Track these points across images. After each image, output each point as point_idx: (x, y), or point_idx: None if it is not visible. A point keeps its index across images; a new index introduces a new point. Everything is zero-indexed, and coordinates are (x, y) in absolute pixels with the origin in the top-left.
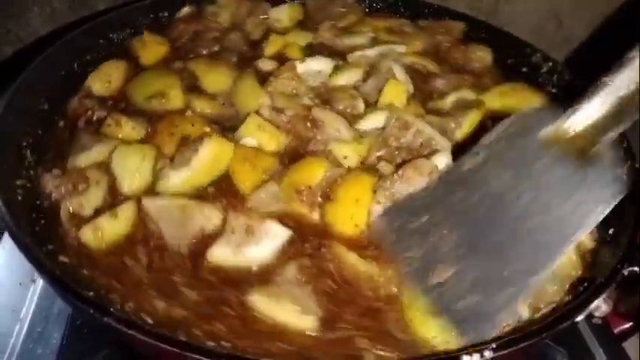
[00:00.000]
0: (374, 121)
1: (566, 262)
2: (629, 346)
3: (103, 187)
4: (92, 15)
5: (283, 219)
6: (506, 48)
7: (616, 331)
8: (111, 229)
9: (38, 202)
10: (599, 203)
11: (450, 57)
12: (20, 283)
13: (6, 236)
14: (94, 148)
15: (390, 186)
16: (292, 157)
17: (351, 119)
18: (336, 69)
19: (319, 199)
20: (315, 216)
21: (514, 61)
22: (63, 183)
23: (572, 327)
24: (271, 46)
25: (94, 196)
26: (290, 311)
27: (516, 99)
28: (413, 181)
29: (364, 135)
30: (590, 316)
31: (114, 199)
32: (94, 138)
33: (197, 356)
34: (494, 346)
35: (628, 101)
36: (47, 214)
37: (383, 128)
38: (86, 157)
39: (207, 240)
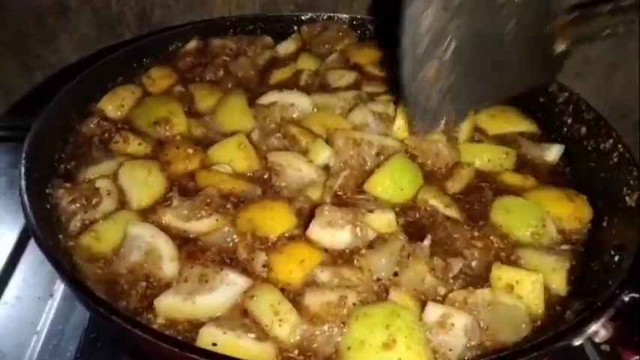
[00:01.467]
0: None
1: (525, 306)
2: None
3: (114, 198)
4: (119, 44)
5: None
6: None
7: None
8: (107, 232)
9: None
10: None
11: None
12: (38, 297)
13: (27, 252)
14: (104, 162)
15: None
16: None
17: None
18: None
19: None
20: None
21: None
22: (76, 197)
23: (579, 353)
24: (280, 74)
25: (108, 208)
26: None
27: (505, 122)
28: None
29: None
30: (598, 343)
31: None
32: (104, 153)
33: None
34: None
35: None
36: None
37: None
38: (96, 170)
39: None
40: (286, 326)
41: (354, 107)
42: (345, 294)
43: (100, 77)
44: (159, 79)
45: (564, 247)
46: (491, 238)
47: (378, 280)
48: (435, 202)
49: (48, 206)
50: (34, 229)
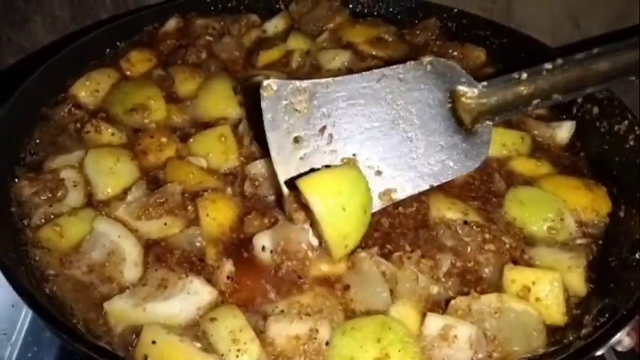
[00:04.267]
0: None
1: (543, 309)
2: None
3: (81, 190)
4: (94, 24)
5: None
6: (526, 51)
7: None
8: (71, 228)
9: None
10: (457, 169)
11: (446, 53)
12: (13, 305)
13: None
14: (75, 152)
15: None
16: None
17: None
18: None
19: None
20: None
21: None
22: (39, 188)
23: None
24: (268, 55)
25: (74, 201)
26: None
27: None
28: None
29: None
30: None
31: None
32: (76, 143)
33: None
34: None
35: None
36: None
37: None
38: (63, 160)
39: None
40: (245, 358)
41: None
42: (316, 326)
43: (72, 61)
44: (138, 62)
45: (579, 241)
46: (503, 238)
47: None
48: (452, 214)
49: (13, 209)
50: None
